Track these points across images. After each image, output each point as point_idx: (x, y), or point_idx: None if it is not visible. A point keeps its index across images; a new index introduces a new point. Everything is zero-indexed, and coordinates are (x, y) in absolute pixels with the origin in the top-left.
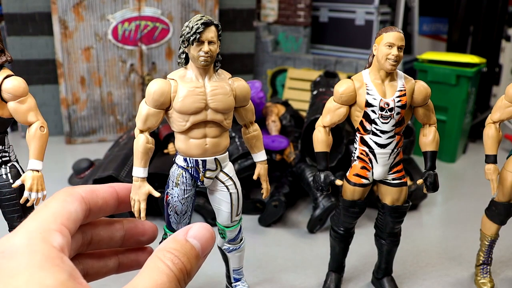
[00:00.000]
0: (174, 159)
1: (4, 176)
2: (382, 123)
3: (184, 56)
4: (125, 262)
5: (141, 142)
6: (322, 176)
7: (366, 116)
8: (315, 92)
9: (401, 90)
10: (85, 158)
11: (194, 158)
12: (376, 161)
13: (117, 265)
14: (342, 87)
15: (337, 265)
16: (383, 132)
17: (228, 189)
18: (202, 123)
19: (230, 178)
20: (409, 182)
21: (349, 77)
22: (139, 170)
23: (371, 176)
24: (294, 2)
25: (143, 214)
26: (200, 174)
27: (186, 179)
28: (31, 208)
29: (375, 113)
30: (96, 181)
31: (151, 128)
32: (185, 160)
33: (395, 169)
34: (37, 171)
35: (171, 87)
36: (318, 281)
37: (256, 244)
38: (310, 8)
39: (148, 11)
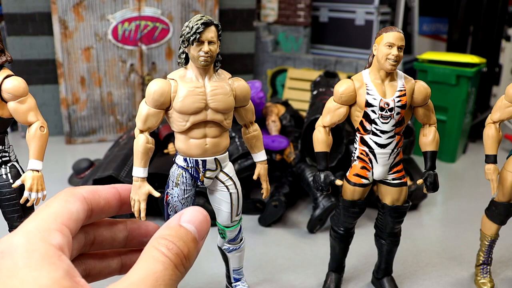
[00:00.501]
0: (174, 159)
1: (4, 176)
2: (382, 123)
3: (184, 56)
4: (128, 263)
5: (141, 142)
6: (322, 176)
7: (366, 116)
8: (315, 92)
9: (401, 90)
10: (85, 158)
11: (194, 158)
12: (376, 161)
13: (120, 266)
14: (342, 87)
15: (337, 265)
16: (383, 132)
17: (228, 189)
18: (202, 123)
19: (230, 178)
20: (409, 182)
21: (349, 77)
22: (139, 170)
23: (371, 176)
24: (294, 2)
25: (143, 214)
26: (200, 174)
27: (186, 179)
28: (31, 208)
29: (375, 113)
30: (96, 181)
31: (151, 128)
32: (185, 160)
33: (395, 169)
34: (37, 171)
35: (171, 87)
36: (318, 281)
37: (256, 244)
38: (310, 8)
39: (148, 11)
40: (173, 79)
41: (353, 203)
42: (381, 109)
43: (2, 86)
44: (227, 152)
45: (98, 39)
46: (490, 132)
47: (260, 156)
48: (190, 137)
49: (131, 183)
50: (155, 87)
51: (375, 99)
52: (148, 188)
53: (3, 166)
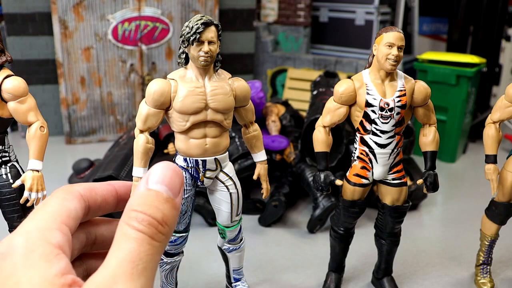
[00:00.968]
0: (174, 159)
1: (4, 176)
2: (382, 123)
3: (184, 56)
4: None
5: (141, 142)
6: (322, 176)
7: (366, 116)
8: (315, 92)
9: (401, 90)
10: (85, 158)
11: (194, 158)
12: (376, 161)
13: None
14: (342, 87)
15: (337, 265)
16: (383, 132)
17: (228, 189)
18: (202, 123)
19: (230, 178)
20: (409, 182)
21: (349, 77)
22: (139, 170)
23: (371, 176)
24: (294, 2)
25: None
26: (200, 174)
27: (186, 179)
28: (31, 208)
29: (375, 113)
30: (96, 181)
31: (151, 128)
32: (185, 160)
33: (395, 169)
34: (37, 171)
35: (171, 87)
36: (318, 281)
37: (256, 244)
38: (310, 8)
39: (148, 11)
40: (173, 79)
41: (353, 203)
42: (381, 109)
43: (2, 86)
44: (227, 152)
45: (98, 39)
46: (490, 132)
47: (260, 156)
48: (190, 137)
49: (131, 182)
50: (155, 87)
51: (375, 99)
52: None
53: (3, 166)
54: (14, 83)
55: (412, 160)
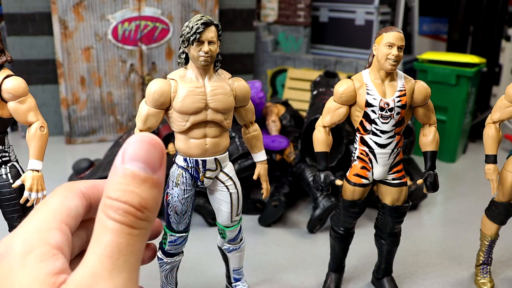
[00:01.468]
0: (174, 159)
1: (4, 176)
2: (382, 123)
3: (184, 56)
4: None
5: None
6: (322, 176)
7: (366, 116)
8: (315, 92)
9: (401, 90)
10: (85, 158)
11: (194, 158)
12: (376, 161)
13: None
14: (342, 87)
15: (337, 265)
16: (383, 132)
17: (228, 189)
18: (202, 123)
19: (230, 178)
20: (409, 182)
21: (349, 77)
22: None
23: (371, 176)
24: (294, 2)
25: None
26: (200, 174)
27: (186, 179)
28: (31, 208)
29: (375, 113)
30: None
31: (151, 128)
32: (185, 160)
33: (395, 169)
34: (37, 171)
35: (171, 87)
36: (318, 281)
37: (256, 244)
38: (310, 8)
39: (148, 11)
40: (173, 79)
41: (353, 203)
42: (381, 109)
43: (2, 86)
44: (227, 152)
45: (98, 39)
46: (490, 132)
47: (260, 156)
48: (190, 137)
49: None
50: (155, 87)
51: (375, 99)
52: None
53: (3, 166)
54: (14, 83)
55: (412, 160)
